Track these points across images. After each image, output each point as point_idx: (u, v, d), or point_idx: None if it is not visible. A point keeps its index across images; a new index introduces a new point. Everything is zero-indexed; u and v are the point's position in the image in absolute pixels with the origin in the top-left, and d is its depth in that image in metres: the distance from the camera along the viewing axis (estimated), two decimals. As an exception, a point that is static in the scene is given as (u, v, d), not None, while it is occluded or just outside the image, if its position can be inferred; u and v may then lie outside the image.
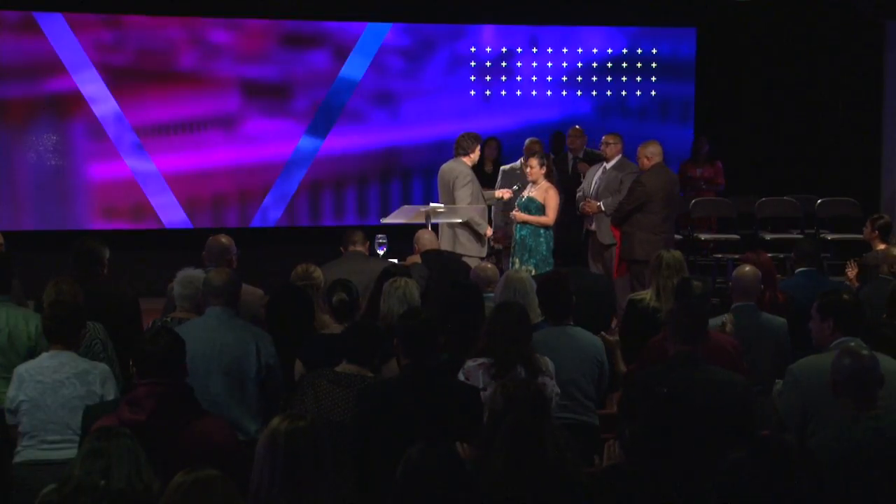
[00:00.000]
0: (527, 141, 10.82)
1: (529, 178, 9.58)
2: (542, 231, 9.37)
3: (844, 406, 4.28)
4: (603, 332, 6.08)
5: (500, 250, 10.54)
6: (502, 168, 10.78)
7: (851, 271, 7.87)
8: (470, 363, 4.98)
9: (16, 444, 4.95)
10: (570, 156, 11.58)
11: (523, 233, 9.43)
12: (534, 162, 9.51)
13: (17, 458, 4.86)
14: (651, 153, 9.65)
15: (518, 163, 10.63)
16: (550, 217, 9.37)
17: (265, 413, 5.34)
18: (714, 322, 6.07)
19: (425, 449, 3.48)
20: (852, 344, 4.58)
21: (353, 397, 4.72)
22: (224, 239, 6.90)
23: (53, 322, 4.98)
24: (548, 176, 9.54)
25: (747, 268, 6.38)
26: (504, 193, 10.11)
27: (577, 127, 11.60)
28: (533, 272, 8.91)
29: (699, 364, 4.84)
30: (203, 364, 5.23)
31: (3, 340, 5.46)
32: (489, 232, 9.74)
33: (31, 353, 5.26)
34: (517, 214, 9.45)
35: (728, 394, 4.77)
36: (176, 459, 3.60)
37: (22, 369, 4.94)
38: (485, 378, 4.89)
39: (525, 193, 9.55)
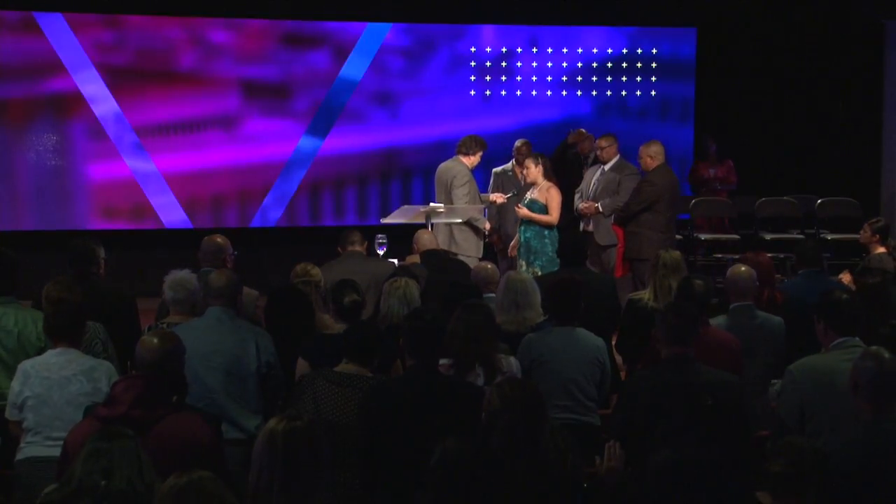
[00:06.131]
0: (516, 143, 10.75)
1: (528, 180, 9.55)
2: (546, 232, 9.35)
3: (861, 410, 4.24)
4: None
5: (497, 251, 10.52)
6: (494, 170, 10.76)
7: (846, 277, 7.89)
8: None
9: (16, 441, 4.95)
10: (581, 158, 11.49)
11: (528, 235, 9.39)
12: (530, 164, 9.49)
13: (20, 455, 4.86)
14: (655, 153, 9.66)
15: (510, 164, 10.62)
16: (554, 216, 9.35)
17: (265, 411, 5.37)
18: (715, 321, 6.11)
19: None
20: (872, 347, 4.53)
21: (352, 397, 4.73)
22: (219, 239, 6.89)
23: (58, 320, 4.98)
24: (546, 175, 9.52)
25: (742, 268, 6.37)
26: (497, 198, 10.10)
27: (581, 130, 11.42)
28: (539, 273, 8.91)
29: (692, 365, 4.84)
30: (202, 363, 5.25)
31: (12, 341, 5.45)
32: (488, 225, 9.75)
33: (40, 354, 5.25)
34: (521, 211, 9.40)
35: (722, 394, 4.77)
36: (146, 452, 3.60)
37: (27, 365, 4.93)
38: None
39: (527, 195, 9.52)
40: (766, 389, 6.08)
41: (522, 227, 9.46)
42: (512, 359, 5.28)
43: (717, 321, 6.15)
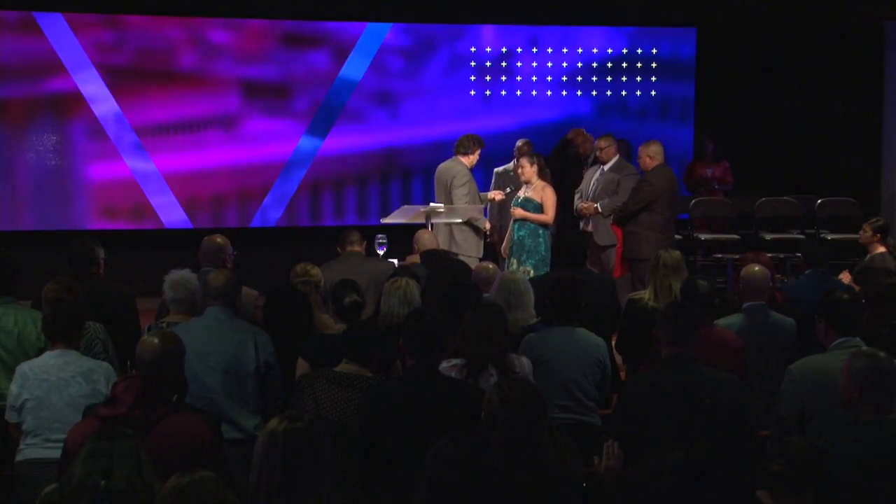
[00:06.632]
0: (518, 142, 10.77)
1: (522, 179, 9.56)
2: (540, 231, 9.36)
3: (860, 410, 4.23)
4: None
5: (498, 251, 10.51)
6: (495, 170, 10.76)
7: (845, 277, 7.89)
8: (444, 364, 4.95)
9: (16, 442, 4.95)
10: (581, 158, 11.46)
11: (521, 233, 9.40)
12: (524, 162, 9.51)
13: (20, 457, 4.85)
14: (654, 153, 9.67)
15: (511, 164, 10.62)
16: (550, 215, 9.37)
17: (265, 411, 5.37)
18: (726, 321, 6.11)
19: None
20: (864, 347, 4.52)
21: (352, 397, 4.72)
22: (219, 239, 6.90)
23: (56, 320, 4.97)
24: (541, 174, 9.53)
25: (756, 267, 6.36)
26: (496, 195, 10.11)
27: (582, 130, 11.42)
28: (531, 273, 8.92)
29: (692, 365, 4.84)
30: (201, 363, 5.25)
31: (12, 342, 5.45)
32: (488, 225, 9.74)
33: (39, 355, 5.24)
34: (516, 212, 9.42)
35: (722, 394, 4.77)
36: (147, 452, 3.60)
37: (25, 367, 4.92)
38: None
39: (521, 194, 9.53)
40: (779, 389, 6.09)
41: (516, 226, 9.46)
42: (524, 359, 5.27)
43: (731, 320, 6.17)
